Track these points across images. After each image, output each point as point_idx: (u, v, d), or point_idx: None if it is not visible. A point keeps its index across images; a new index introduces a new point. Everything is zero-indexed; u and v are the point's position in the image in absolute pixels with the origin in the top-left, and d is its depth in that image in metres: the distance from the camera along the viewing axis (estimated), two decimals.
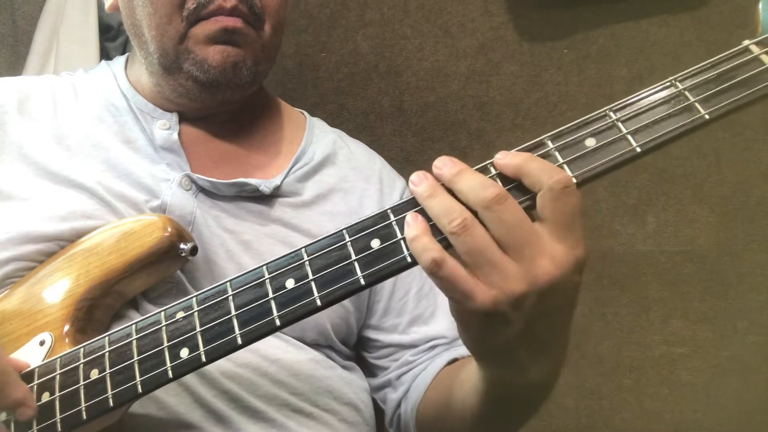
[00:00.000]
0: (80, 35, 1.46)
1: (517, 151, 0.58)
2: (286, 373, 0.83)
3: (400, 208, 0.59)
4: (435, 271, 0.53)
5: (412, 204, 0.58)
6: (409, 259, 0.57)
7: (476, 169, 0.57)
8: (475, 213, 0.54)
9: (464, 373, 0.77)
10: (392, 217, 0.58)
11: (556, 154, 0.57)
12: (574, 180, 0.55)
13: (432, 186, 0.56)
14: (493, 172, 0.57)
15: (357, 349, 0.98)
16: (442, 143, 1.53)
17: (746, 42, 0.58)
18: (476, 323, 0.57)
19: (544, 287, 0.53)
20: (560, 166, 0.57)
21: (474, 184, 0.55)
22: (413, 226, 0.55)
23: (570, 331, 0.62)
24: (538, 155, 0.57)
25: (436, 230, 0.56)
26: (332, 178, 0.96)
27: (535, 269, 0.53)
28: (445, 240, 0.55)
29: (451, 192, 0.56)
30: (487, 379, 0.68)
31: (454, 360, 0.90)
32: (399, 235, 0.57)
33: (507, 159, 0.56)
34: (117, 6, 0.94)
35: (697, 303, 1.37)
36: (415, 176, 0.57)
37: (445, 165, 0.57)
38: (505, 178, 0.57)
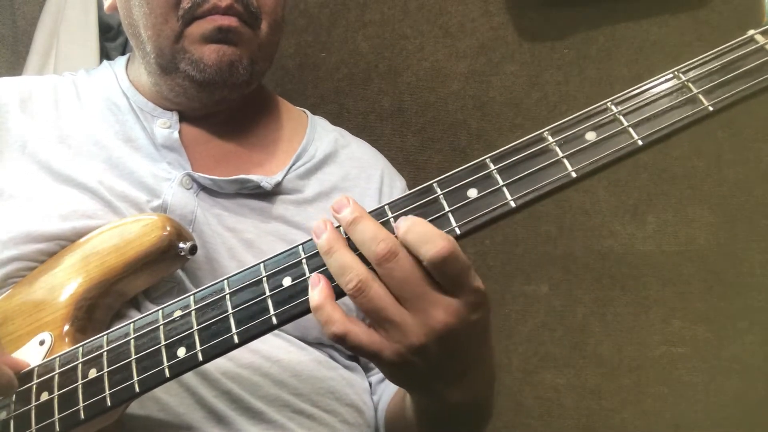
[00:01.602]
0: (80, 35, 1.46)
1: (516, 146, 0.58)
2: (287, 373, 0.82)
3: (400, 203, 0.59)
4: (340, 342, 0.57)
5: (414, 198, 0.59)
6: None
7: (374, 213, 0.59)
8: None
9: None
10: (389, 214, 0.59)
11: (556, 148, 0.57)
12: (458, 231, 0.57)
13: (330, 240, 0.58)
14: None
15: None
16: (442, 143, 1.53)
17: (751, 32, 0.56)
18: (389, 371, 0.62)
19: (441, 335, 0.56)
20: (559, 161, 0.56)
21: (366, 237, 0.56)
22: (315, 291, 0.58)
23: (490, 353, 0.66)
24: (538, 150, 0.57)
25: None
26: (334, 176, 0.97)
27: (429, 320, 0.55)
28: None
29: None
30: (416, 402, 0.74)
31: None
32: None
33: (399, 226, 0.57)
34: (115, 6, 0.94)
35: (697, 303, 1.37)
36: (316, 226, 0.59)
37: (342, 207, 0.59)
38: None
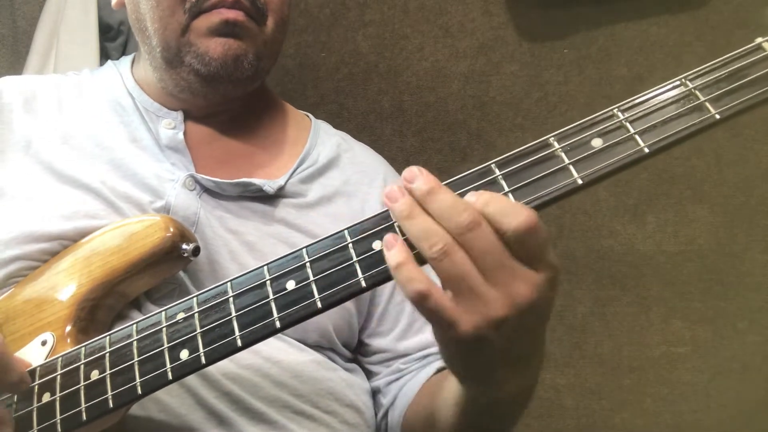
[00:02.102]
0: (80, 35, 1.46)
1: (521, 151, 0.58)
2: (287, 374, 0.82)
3: None
4: (420, 303, 0.53)
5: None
6: None
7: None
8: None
9: (447, 384, 0.77)
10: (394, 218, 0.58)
11: (562, 154, 0.57)
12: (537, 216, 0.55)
13: (409, 205, 0.55)
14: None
15: (353, 352, 0.98)
16: (442, 143, 1.53)
17: (759, 39, 0.56)
18: (459, 347, 0.58)
19: (523, 309, 0.54)
20: (565, 167, 0.56)
21: (446, 206, 0.54)
22: (394, 252, 0.55)
23: (545, 342, 0.63)
24: (544, 156, 0.57)
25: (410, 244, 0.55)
26: (336, 181, 0.96)
27: (512, 293, 0.53)
28: (418, 255, 0.55)
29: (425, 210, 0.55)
30: (467, 394, 0.69)
31: (443, 368, 0.89)
32: (401, 237, 0.57)
33: (474, 199, 0.55)
34: (123, 2, 0.95)
35: (697, 303, 1.37)
36: (389, 192, 0.57)
37: (415, 178, 0.56)
38: None
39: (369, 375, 0.96)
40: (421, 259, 0.55)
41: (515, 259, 0.54)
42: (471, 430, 0.74)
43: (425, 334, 0.94)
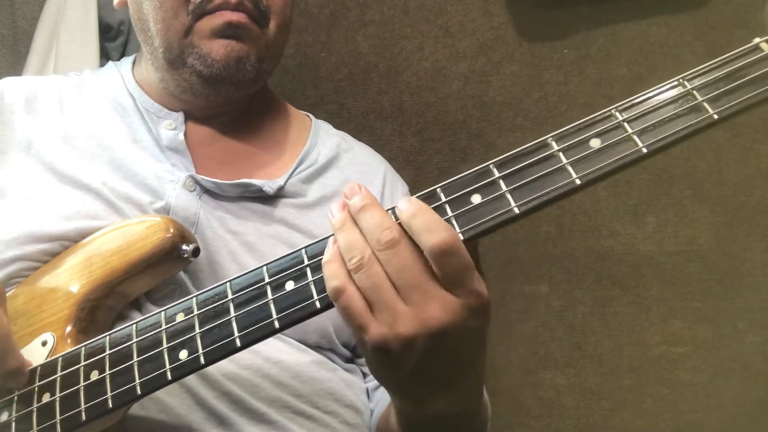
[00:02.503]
0: (80, 35, 1.46)
1: (517, 153, 0.58)
2: (287, 375, 0.82)
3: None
4: (335, 298, 0.56)
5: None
6: None
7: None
8: None
9: None
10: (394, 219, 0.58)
11: (560, 155, 0.57)
12: (461, 237, 0.56)
13: (342, 219, 0.58)
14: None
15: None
16: (442, 143, 1.53)
17: (756, 39, 0.56)
18: (371, 356, 0.59)
19: (433, 331, 0.54)
20: (563, 168, 0.56)
21: (372, 223, 0.56)
22: (328, 251, 0.58)
23: (482, 365, 0.64)
24: (542, 157, 0.57)
25: None
26: (336, 180, 0.97)
27: (422, 313, 0.54)
28: None
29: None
30: (396, 407, 0.71)
31: None
32: None
33: (401, 209, 0.57)
34: (125, 2, 0.95)
35: (697, 303, 1.37)
36: (334, 206, 0.60)
37: (354, 194, 0.59)
38: None
39: (365, 376, 0.96)
40: None
41: (433, 281, 0.55)
42: None
43: None
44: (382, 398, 0.91)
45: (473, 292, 0.55)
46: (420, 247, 0.55)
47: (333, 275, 0.57)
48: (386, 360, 0.57)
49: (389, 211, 0.59)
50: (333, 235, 0.59)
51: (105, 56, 1.50)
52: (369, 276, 0.55)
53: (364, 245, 0.56)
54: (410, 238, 0.56)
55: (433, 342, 0.55)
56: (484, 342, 0.62)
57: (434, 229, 0.55)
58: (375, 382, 0.94)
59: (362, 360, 0.96)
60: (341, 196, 0.94)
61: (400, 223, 0.57)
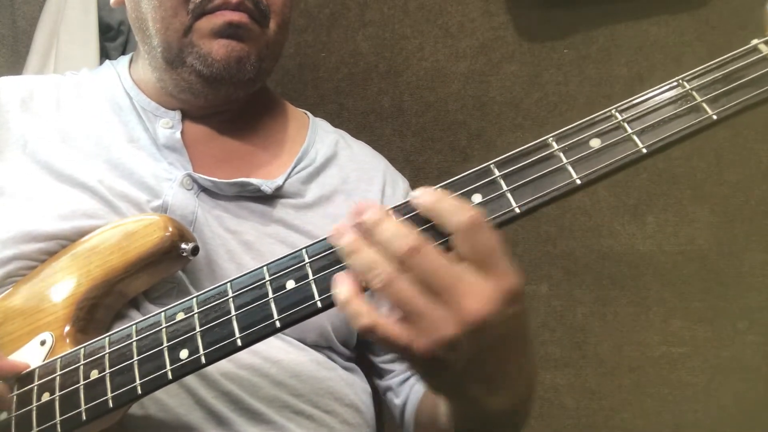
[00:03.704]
0: (80, 35, 1.46)
1: (517, 153, 0.58)
2: (286, 374, 0.82)
3: (403, 209, 0.59)
4: (369, 336, 0.55)
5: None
6: None
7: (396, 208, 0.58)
8: None
9: None
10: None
11: (561, 155, 0.57)
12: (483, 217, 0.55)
13: (353, 241, 0.57)
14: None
15: (363, 351, 0.98)
16: (442, 143, 1.53)
17: (755, 41, 0.57)
18: (419, 369, 0.59)
19: (475, 326, 0.53)
20: (563, 167, 0.56)
21: (389, 235, 0.55)
22: (341, 288, 0.56)
23: (529, 356, 0.63)
24: (542, 156, 0.57)
25: None
26: (334, 179, 0.96)
27: (461, 312, 0.53)
28: None
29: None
30: (450, 409, 0.69)
31: None
32: None
33: (420, 199, 0.57)
34: (122, 1, 0.94)
35: (697, 303, 1.37)
36: (337, 227, 0.58)
37: (366, 210, 0.57)
38: None
39: (384, 373, 0.96)
40: None
41: (463, 276, 0.54)
42: None
43: None
44: (413, 391, 0.91)
45: (505, 273, 0.55)
46: (438, 246, 0.55)
47: (358, 313, 0.55)
48: (437, 368, 0.56)
49: (401, 206, 0.58)
50: (336, 265, 0.58)
51: (105, 56, 1.50)
52: (398, 291, 0.54)
53: (384, 262, 0.55)
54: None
55: (477, 337, 0.54)
56: (526, 329, 0.61)
57: (461, 208, 0.54)
58: (399, 378, 0.94)
59: (378, 359, 0.96)
60: (340, 195, 0.95)
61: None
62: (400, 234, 0.55)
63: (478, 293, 0.53)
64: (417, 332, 0.54)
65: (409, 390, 0.92)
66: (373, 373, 0.99)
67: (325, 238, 0.60)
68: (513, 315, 0.55)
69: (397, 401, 0.93)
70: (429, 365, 0.56)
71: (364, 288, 0.56)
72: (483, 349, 0.56)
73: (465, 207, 0.55)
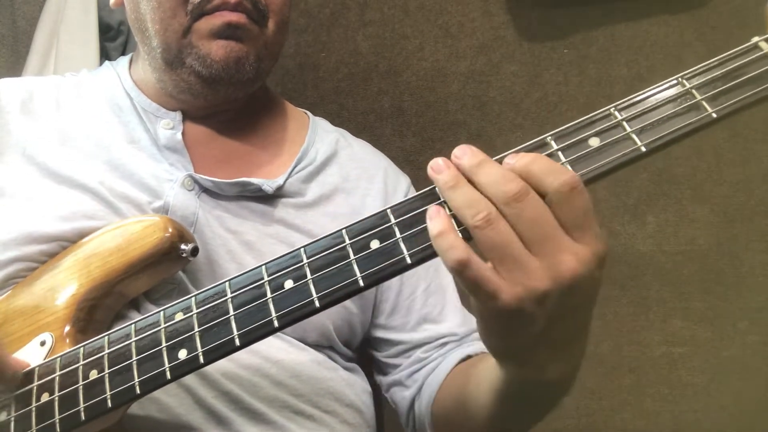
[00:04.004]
0: (80, 35, 1.46)
1: (520, 150, 0.57)
2: (287, 374, 0.82)
3: (400, 208, 0.58)
4: (460, 271, 0.52)
5: (414, 203, 0.58)
6: (409, 261, 0.56)
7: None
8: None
9: (480, 370, 0.76)
10: (392, 219, 0.58)
11: (559, 154, 0.57)
12: (460, 234, 0.54)
13: (454, 176, 0.55)
14: None
15: (366, 349, 0.97)
16: (442, 143, 1.53)
17: (755, 39, 0.56)
18: (499, 321, 0.56)
19: (567, 283, 0.52)
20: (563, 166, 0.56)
21: (495, 177, 0.54)
22: (437, 221, 0.54)
23: (589, 329, 0.61)
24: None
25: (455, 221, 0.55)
26: (335, 177, 0.96)
27: (558, 265, 0.52)
28: (465, 231, 0.54)
29: (471, 183, 0.55)
30: (505, 377, 0.67)
31: (467, 357, 0.89)
32: (398, 235, 0.57)
33: (514, 160, 0.55)
34: (122, 2, 0.94)
35: (697, 303, 1.37)
36: (434, 163, 0.56)
37: (464, 154, 0.56)
38: None
39: (388, 368, 0.96)
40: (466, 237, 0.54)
41: (563, 232, 0.53)
42: (506, 417, 0.73)
43: (441, 324, 0.94)
44: (431, 381, 0.89)
45: (598, 236, 0.54)
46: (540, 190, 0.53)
47: (452, 246, 0.52)
48: (518, 322, 0.54)
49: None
50: (430, 204, 0.56)
51: (105, 56, 1.50)
52: (498, 233, 0.52)
53: (486, 201, 0.53)
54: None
55: (565, 296, 0.52)
56: (596, 300, 0.59)
57: (558, 170, 0.53)
58: (408, 370, 0.93)
59: (381, 354, 0.96)
60: (341, 194, 0.94)
61: None
62: (507, 177, 0.53)
63: (574, 251, 0.52)
64: (509, 279, 0.52)
65: (423, 379, 0.91)
66: (376, 371, 0.99)
67: (323, 238, 0.60)
68: (597, 279, 0.54)
69: (407, 393, 0.92)
70: (512, 318, 0.54)
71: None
72: (566, 310, 0.54)
73: (563, 169, 0.54)
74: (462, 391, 0.81)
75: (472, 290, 0.53)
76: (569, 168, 0.55)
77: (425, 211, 0.56)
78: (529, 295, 0.52)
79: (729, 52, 0.56)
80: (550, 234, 0.52)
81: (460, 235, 0.53)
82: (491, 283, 0.52)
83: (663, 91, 0.57)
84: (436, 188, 0.57)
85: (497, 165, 0.55)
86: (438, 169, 0.56)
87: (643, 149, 0.55)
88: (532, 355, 0.59)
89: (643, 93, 0.57)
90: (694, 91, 0.56)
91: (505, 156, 0.56)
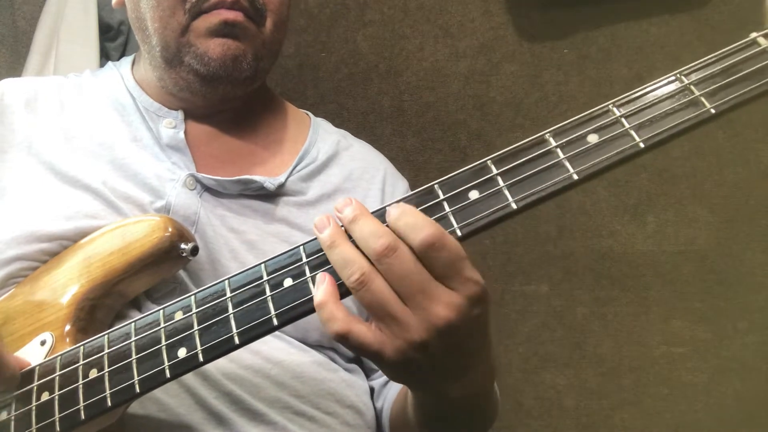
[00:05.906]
0: (80, 35, 1.46)
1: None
2: (288, 375, 0.82)
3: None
4: (342, 341, 0.56)
5: None
6: None
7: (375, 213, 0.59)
8: None
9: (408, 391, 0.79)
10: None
11: (558, 151, 0.57)
12: (459, 233, 0.57)
13: (331, 235, 0.58)
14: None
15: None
16: (442, 143, 1.53)
17: (754, 34, 0.56)
18: (390, 370, 0.60)
19: (444, 330, 0.55)
20: (561, 163, 0.56)
21: (366, 233, 0.56)
22: (320, 289, 0.57)
23: (489, 348, 0.65)
24: (540, 152, 0.57)
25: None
26: (336, 177, 0.97)
27: (430, 316, 0.55)
28: None
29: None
30: (417, 400, 0.74)
31: None
32: None
33: (389, 213, 0.57)
34: (123, 1, 0.95)
35: (697, 303, 1.37)
36: (319, 221, 0.59)
37: (345, 207, 0.59)
38: None
39: (370, 373, 0.96)
40: None
41: (434, 283, 0.55)
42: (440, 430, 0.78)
43: None
44: (391, 392, 0.92)
45: (470, 281, 0.56)
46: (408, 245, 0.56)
47: (331, 317, 0.56)
48: (406, 368, 0.58)
49: (379, 211, 0.59)
50: (316, 272, 0.59)
51: (105, 56, 1.50)
52: (372, 293, 0.55)
53: (362, 259, 0.56)
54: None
55: (444, 339, 0.56)
56: (488, 327, 0.62)
57: (420, 226, 0.55)
58: (381, 380, 0.95)
59: (367, 361, 0.96)
60: (342, 193, 0.95)
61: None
62: (378, 232, 0.56)
63: (446, 300, 0.55)
64: (389, 334, 0.56)
65: (387, 391, 0.93)
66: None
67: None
68: (477, 316, 0.57)
69: (378, 403, 0.94)
70: (399, 366, 0.58)
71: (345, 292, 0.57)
72: (448, 349, 0.57)
73: (426, 224, 0.55)
74: (403, 407, 0.84)
75: (357, 353, 0.58)
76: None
77: (424, 205, 0.59)
78: (410, 346, 0.56)
79: (727, 48, 0.57)
80: (420, 287, 0.55)
81: (339, 303, 0.57)
82: (373, 346, 0.56)
83: (661, 88, 0.57)
84: None
85: (371, 220, 0.57)
86: (320, 227, 0.59)
87: (642, 145, 0.55)
88: (429, 384, 0.64)
89: (642, 89, 0.57)
90: (692, 87, 0.56)
91: (390, 205, 0.58)
